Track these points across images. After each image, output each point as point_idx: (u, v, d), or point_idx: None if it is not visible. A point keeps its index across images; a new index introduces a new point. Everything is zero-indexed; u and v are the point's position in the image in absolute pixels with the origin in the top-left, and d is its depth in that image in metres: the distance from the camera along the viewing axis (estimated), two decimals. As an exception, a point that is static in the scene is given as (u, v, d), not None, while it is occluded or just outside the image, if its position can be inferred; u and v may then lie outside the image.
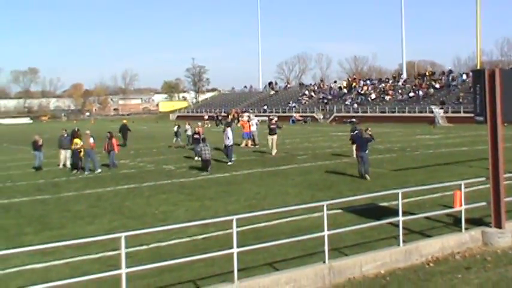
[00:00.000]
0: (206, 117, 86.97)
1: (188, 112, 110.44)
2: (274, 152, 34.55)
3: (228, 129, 31.10)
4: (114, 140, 30.60)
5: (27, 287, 9.52)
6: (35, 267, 12.06)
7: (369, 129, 25.41)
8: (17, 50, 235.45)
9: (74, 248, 12.84)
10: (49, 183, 25.46)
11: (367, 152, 24.07)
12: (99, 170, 28.32)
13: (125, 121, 49.86)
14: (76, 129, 33.82)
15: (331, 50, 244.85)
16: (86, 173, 27.90)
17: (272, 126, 35.77)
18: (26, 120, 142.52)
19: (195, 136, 33.73)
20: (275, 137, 35.19)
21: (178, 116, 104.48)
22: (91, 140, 28.65)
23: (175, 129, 44.11)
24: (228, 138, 30.60)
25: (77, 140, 29.79)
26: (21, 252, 12.02)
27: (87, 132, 29.64)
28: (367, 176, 23.39)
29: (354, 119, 71.13)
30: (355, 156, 25.64)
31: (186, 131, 42.54)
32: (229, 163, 29.91)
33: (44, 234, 15.25)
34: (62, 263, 12.32)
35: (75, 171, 28.44)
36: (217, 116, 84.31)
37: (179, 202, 19.51)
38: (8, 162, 35.37)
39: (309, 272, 10.65)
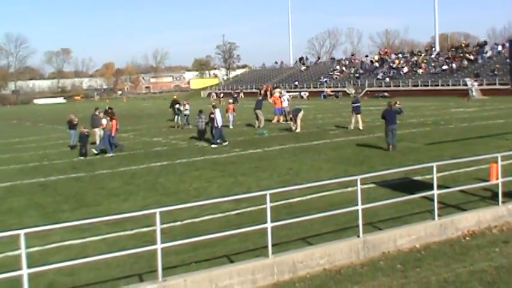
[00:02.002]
0: (214, 96, 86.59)
1: (219, 89, 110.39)
2: (297, 128, 34.22)
3: (217, 111, 29.03)
4: (114, 122, 28.37)
5: (66, 262, 9.73)
6: (72, 244, 12.24)
7: (398, 102, 25.49)
8: (49, 31, 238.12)
9: (110, 224, 13.05)
10: (84, 161, 25.87)
11: (396, 125, 24.32)
12: (111, 154, 27.21)
13: (175, 96, 49.99)
14: (108, 108, 33.76)
15: (362, 24, 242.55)
16: (111, 154, 27.20)
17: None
18: (60, 100, 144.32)
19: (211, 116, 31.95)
20: (301, 113, 34.82)
21: (209, 94, 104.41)
22: (104, 121, 28.38)
23: (176, 107, 41.69)
24: (216, 120, 28.66)
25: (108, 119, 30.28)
26: (59, 229, 12.26)
27: (100, 113, 29.24)
28: (392, 148, 23.74)
29: (356, 93, 70.81)
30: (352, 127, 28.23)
31: (185, 110, 40.91)
32: (213, 146, 28.35)
33: (81, 211, 15.50)
34: (98, 239, 12.50)
35: (82, 157, 26.79)
36: (233, 93, 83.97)
37: (212, 178, 19.60)
38: (44, 141, 35.97)
39: (343, 247, 10.62)
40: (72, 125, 30.82)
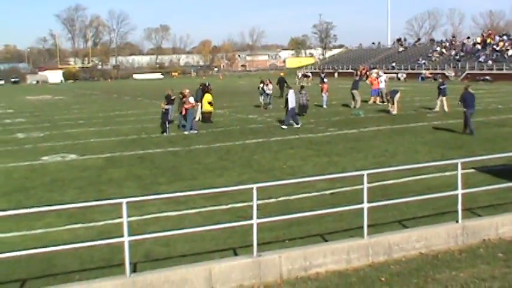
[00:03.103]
0: (300, 75, 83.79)
1: (315, 69, 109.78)
2: (394, 110, 33.63)
3: (290, 92, 28.44)
4: (189, 100, 28.07)
5: (163, 233, 9.99)
6: (169, 215, 12.53)
7: (470, 86, 25.59)
8: (149, 8, 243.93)
9: (205, 198, 13.31)
10: (180, 136, 26.41)
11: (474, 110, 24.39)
12: (194, 131, 27.27)
13: (282, 74, 50.35)
14: (207, 84, 33.89)
15: (464, 4, 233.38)
16: (185, 132, 27.32)
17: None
18: (158, 75, 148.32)
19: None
20: (398, 95, 34.08)
21: (312, 73, 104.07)
22: (191, 100, 28.26)
23: (260, 86, 40.69)
24: (289, 101, 27.84)
25: (208, 96, 30.77)
26: (157, 200, 12.74)
27: (187, 91, 28.82)
28: (470, 132, 23.75)
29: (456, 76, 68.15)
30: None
31: (268, 90, 40.04)
32: (284, 126, 27.85)
33: (177, 184, 15.83)
34: (194, 212, 12.72)
35: (164, 133, 26.95)
36: (321, 73, 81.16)
37: (307, 157, 19.58)
38: (142, 115, 37.04)
39: (441, 231, 10.34)
40: (170, 100, 31.44)
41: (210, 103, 31.18)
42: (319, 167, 17.81)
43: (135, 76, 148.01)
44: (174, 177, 16.88)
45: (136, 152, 21.80)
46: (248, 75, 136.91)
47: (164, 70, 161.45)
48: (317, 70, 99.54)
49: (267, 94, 40.16)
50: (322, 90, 39.47)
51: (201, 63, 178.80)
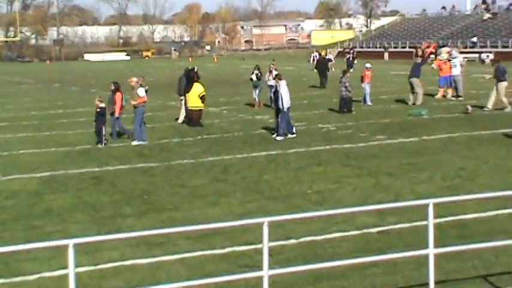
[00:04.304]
0: (317, 56, 77.58)
1: (355, 46, 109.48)
2: (490, 104, 33.58)
3: (282, 84, 27.22)
4: (117, 94, 27.77)
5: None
6: (137, 263, 12.42)
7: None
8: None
9: (192, 237, 13.29)
10: (156, 145, 26.37)
11: None
12: (140, 142, 26.87)
13: (322, 52, 50.22)
14: (195, 70, 32.98)
15: None
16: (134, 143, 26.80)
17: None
18: (121, 56, 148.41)
19: None
20: (503, 84, 33.96)
21: (340, 52, 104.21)
22: (140, 92, 27.39)
23: (253, 75, 39.19)
24: (281, 98, 26.84)
25: (197, 87, 30.84)
26: (118, 241, 12.66)
27: (134, 79, 27.92)
28: None
29: None
30: None
31: (269, 80, 37.36)
32: (278, 138, 27.06)
33: (149, 217, 15.71)
34: (174, 259, 12.61)
35: (99, 144, 26.77)
36: (349, 53, 77.56)
37: (342, 178, 19.49)
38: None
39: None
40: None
41: (201, 97, 31.13)
42: (361, 192, 17.73)
43: (88, 56, 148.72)
44: (145, 207, 16.74)
45: (89, 170, 21.69)
46: (256, 56, 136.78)
47: (131, 48, 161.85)
48: (357, 48, 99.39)
49: (271, 86, 38.40)
50: (363, 79, 39.36)
51: (186, 39, 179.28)
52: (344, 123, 30.99)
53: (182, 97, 31.59)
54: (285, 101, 26.77)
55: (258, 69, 39.33)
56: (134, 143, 26.65)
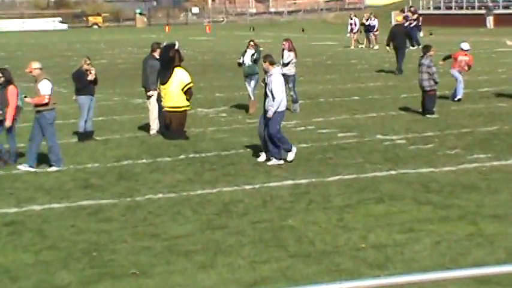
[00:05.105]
0: (355, 27, 66.01)
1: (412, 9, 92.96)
2: None
3: (275, 71, 21.20)
4: (10, 90, 21.15)
5: None
6: None
7: None
8: None
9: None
10: (110, 170, 20.40)
11: None
12: (58, 167, 20.56)
13: (397, 18, 44.85)
14: (172, 45, 25.52)
15: None
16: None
17: None
18: (55, 24, 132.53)
19: None
20: None
21: (405, 18, 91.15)
22: (42, 87, 20.65)
23: (246, 57, 30.07)
24: (272, 92, 20.76)
25: (179, 73, 24.07)
26: None
27: (35, 66, 21.32)
28: None
29: None
30: None
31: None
32: (270, 162, 20.57)
33: (104, 286, 12.31)
34: None
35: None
36: (363, 24, 65.12)
37: (418, 224, 15.11)
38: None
39: None
40: (83, 84, 24.33)
41: (185, 92, 24.32)
42: (449, 247, 13.72)
43: (2, 24, 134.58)
44: (93, 272, 12.78)
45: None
46: (274, 23, 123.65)
47: (69, 11, 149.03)
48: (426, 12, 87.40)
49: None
50: (454, 64, 30.64)
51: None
52: (420, 133, 24.53)
53: (153, 92, 24.57)
54: (276, 100, 20.70)
55: (255, 45, 30.69)
56: (22, 167, 20.26)
